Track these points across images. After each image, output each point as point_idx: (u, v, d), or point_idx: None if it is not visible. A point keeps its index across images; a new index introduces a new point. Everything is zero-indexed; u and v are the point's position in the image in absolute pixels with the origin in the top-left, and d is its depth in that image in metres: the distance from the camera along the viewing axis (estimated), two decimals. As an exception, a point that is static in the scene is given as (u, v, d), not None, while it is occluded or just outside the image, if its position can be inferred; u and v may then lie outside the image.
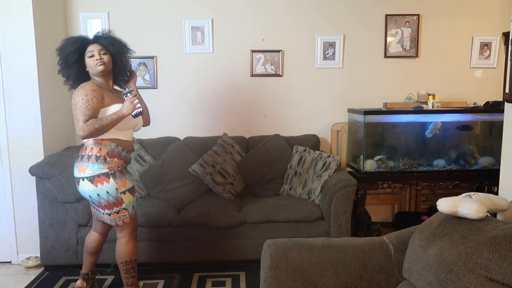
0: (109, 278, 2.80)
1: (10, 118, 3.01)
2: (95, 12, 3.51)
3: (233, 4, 3.57)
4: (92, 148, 2.17)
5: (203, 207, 2.97)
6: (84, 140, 2.21)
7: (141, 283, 2.62)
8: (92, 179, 2.16)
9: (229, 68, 3.63)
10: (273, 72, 3.65)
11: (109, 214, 2.23)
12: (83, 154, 2.19)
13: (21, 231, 3.10)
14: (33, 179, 2.84)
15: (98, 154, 2.16)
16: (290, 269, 1.59)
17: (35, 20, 2.98)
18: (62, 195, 2.78)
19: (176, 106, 3.65)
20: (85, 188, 2.18)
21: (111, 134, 2.19)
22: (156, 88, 3.62)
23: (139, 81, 3.57)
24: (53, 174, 2.74)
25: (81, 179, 2.18)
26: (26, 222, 3.06)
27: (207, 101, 3.66)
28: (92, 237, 2.47)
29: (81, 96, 2.09)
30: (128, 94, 2.19)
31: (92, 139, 2.16)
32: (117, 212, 2.23)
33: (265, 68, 3.64)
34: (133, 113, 2.15)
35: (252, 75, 3.65)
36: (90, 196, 2.20)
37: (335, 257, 1.63)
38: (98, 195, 2.18)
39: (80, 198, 2.78)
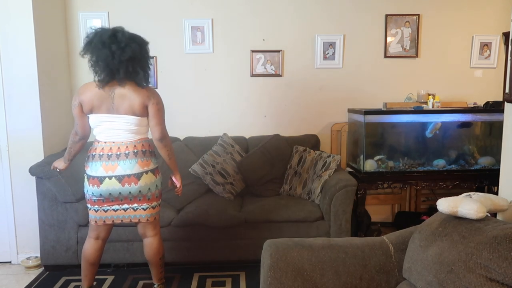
0: (109, 278, 2.81)
1: (10, 118, 3.01)
2: (95, 12, 3.51)
3: (233, 4, 3.57)
4: (149, 145, 2.31)
5: (203, 207, 2.97)
6: (134, 138, 2.24)
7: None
8: (154, 171, 2.28)
9: (229, 68, 3.63)
10: (273, 72, 3.65)
11: (145, 209, 2.28)
12: (144, 150, 2.25)
13: (21, 231, 3.10)
14: (33, 179, 2.84)
15: (152, 150, 2.32)
16: (290, 269, 1.59)
17: (35, 20, 2.98)
18: (62, 195, 2.78)
19: (176, 106, 3.64)
20: (148, 181, 2.24)
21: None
22: (156, 88, 3.61)
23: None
24: (53, 174, 2.74)
25: (144, 173, 2.23)
26: (26, 222, 3.06)
27: (207, 101, 3.66)
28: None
29: (161, 101, 2.31)
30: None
31: (145, 137, 2.31)
32: (154, 207, 2.32)
33: (265, 68, 3.64)
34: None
35: (252, 75, 3.65)
36: (149, 189, 2.25)
37: (335, 257, 1.63)
38: (156, 186, 2.29)
39: (80, 198, 2.77)
